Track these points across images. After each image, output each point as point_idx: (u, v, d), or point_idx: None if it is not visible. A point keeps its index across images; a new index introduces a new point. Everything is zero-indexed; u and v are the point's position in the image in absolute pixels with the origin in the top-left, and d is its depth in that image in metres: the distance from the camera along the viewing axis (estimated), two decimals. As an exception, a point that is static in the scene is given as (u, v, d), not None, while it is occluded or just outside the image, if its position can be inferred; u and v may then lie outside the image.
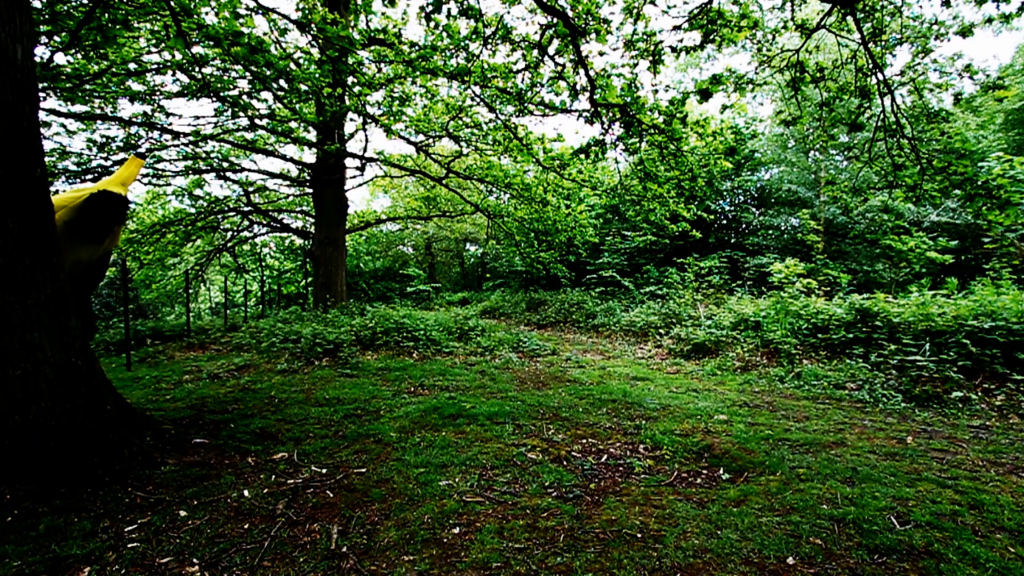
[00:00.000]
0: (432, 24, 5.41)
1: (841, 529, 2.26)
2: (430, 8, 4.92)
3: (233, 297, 16.34)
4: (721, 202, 17.76)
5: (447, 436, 3.58)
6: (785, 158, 18.18)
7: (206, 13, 4.98)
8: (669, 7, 5.48)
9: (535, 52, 5.78)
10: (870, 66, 5.31)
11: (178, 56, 6.13)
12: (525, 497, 2.65)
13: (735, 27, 5.25)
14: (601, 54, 6.75)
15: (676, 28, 5.33)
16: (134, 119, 8.10)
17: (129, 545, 2.16)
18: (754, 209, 18.24)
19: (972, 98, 6.70)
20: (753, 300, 9.59)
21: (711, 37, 5.29)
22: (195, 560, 2.06)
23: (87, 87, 6.71)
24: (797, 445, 3.46)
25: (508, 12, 5.99)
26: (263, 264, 16.87)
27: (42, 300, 2.78)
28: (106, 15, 4.84)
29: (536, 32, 5.65)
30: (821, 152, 17.13)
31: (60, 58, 6.10)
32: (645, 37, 5.50)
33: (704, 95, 5.13)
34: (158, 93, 7.74)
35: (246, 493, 2.67)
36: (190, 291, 12.94)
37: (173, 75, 7.22)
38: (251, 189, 12.09)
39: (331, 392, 4.96)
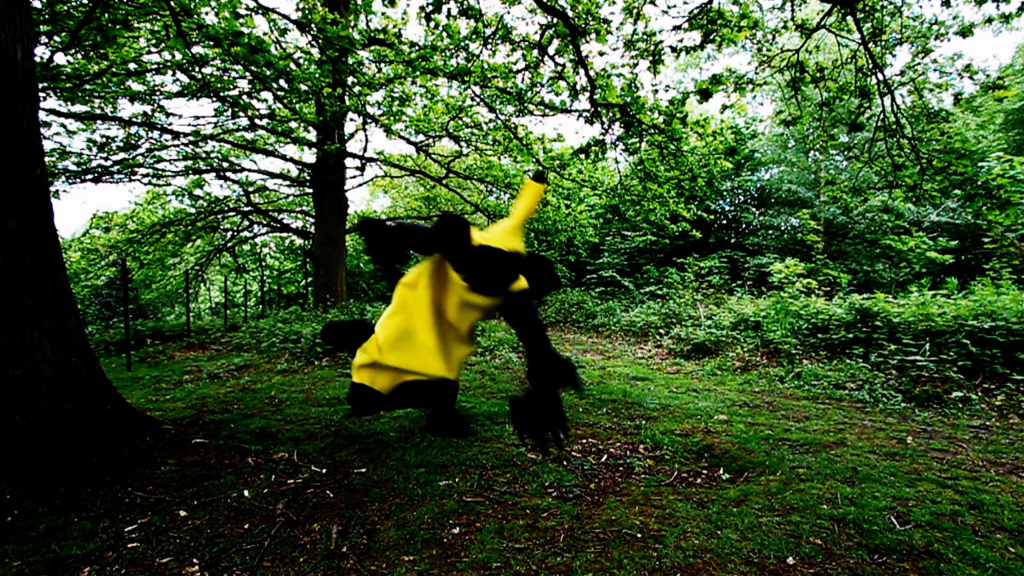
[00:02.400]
0: (432, 24, 5.41)
1: (841, 529, 2.26)
2: (430, 8, 4.92)
3: (233, 297, 16.34)
4: (721, 202, 17.76)
5: (447, 436, 3.58)
6: (785, 158, 18.18)
7: (206, 13, 4.98)
8: (669, 7, 5.48)
9: (535, 52, 5.78)
10: (870, 66, 5.31)
11: (178, 56, 6.12)
12: (525, 497, 2.65)
13: (735, 27, 5.25)
14: (601, 54, 6.75)
15: (676, 28, 5.33)
16: (134, 119, 8.10)
17: (129, 545, 2.16)
18: (754, 209, 18.24)
19: (972, 98, 6.69)
20: (753, 300, 9.59)
21: (711, 37, 5.29)
22: (195, 560, 2.06)
23: (87, 87, 6.70)
24: (797, 445, 3.46)
25: (508, 12, 5.99)
26: (263, 264, 16.86)
27: (42, 300, 2.78)
28: (106, 15, 4.84)
29: (536, 32, 5.65)
30: (821, 152, 17.13)
31: (60, 58, 6.11)
32: (645, 37, 5.50)
33: (704, 95, 5.14)
34: (158, 93, 7.73)
35: (246, 493, 2.67)
36: (190, 291, 12.95)
37: (173, 75, 7.22)
38: (251, 189, 12.09)
39: (331, 392, 4.96)
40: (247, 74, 5.95)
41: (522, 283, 3.04)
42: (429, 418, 3.78)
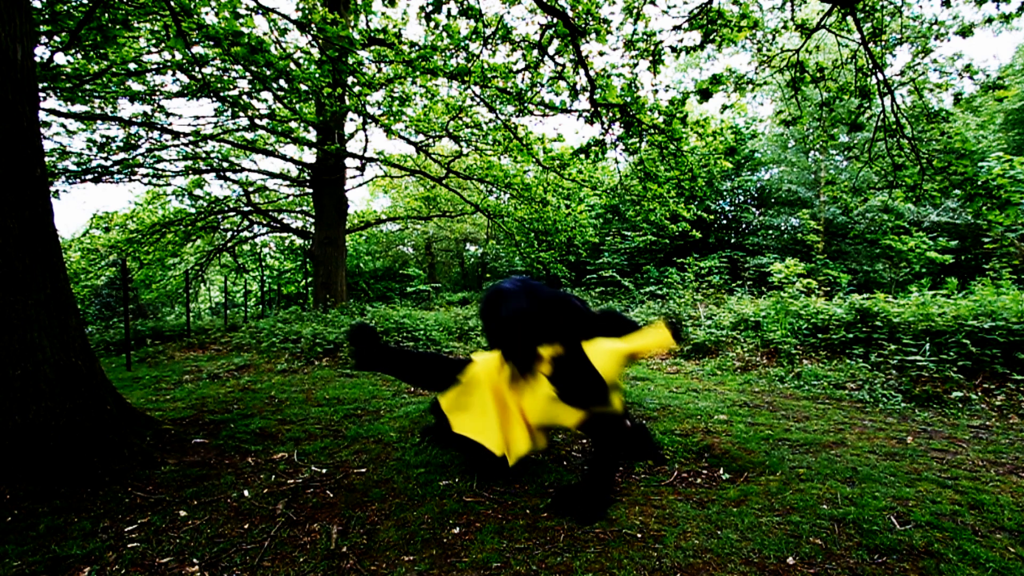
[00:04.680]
0: (432, 24, 5.40)
1: (841, 529, 2.26)
2: (430, 8, 4.92)
3: (233, 297, 16.34)
4: (721, 202, 17.77)
5: (447, 436, 3.57)
6: (785, 158, 18.19)
7: (206, 13, 4.98)
8: (669, 7, 5.48)
9: (535, 52, 5.78)
10: (870, 66, 5.32)
11: (178, 56, 6.13)
12: (525, 497, 2.65)
13: (735, 27, 5.25)
14: (601, 54, 6.74)
15: (676, 28, 5.33)
16: (134, 119, 8.10)
17: (129, 545, 2.16)
18: (754, 209, 18.24)
19: (972, 98, 6.69)
20: (753, 300, 9.58)
21: (711, 37, 5.29)
22: (195, 560, 2.06)
23: (87, 87, 6.71)
24: (797, 445, 3.46)
25: (508, 12, 5.99)
26: (263, 264, 16.87)
27: (42, 300, 2.78)
28: (106, 15, 4.84)
29: (536, 32, 5.65)
30: (821, 152, 17.13)
31: (60, 58, 6.11)
32: (645, 37, 5.50)
33: (704, 95, 5.13)
34: (158, 93, 7.74)
35: (246, 493, 2.67)
36: (190, 291, 12.94)
37: (173, 75, 7.23)
38: (251, 189, 12.09)
39: (331, 392, 4.96)
40: (247, 74, 5.95)
41: (617, 403, 2.69)
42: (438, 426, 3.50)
